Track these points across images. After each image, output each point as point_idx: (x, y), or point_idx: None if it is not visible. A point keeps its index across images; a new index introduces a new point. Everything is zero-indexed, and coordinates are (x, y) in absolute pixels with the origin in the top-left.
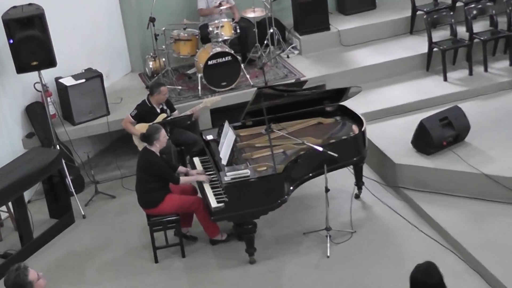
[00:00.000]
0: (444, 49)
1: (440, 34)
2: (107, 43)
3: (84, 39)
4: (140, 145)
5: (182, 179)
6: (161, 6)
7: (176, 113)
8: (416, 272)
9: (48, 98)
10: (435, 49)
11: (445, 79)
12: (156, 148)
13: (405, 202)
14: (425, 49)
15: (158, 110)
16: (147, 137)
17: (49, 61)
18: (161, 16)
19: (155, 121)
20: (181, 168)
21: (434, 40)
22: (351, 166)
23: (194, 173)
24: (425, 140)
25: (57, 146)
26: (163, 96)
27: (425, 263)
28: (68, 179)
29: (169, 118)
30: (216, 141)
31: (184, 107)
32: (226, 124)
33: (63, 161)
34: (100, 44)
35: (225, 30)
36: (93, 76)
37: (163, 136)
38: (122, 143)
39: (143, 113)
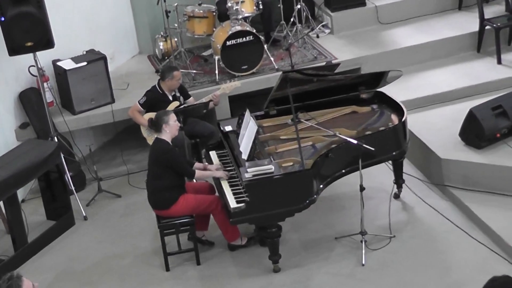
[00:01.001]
0: (498, 27)
1: (494, 10)
2: (111, 21)
3: (86, 17)
4: (150, 137)
5: (198, 173)
6: None
7: (191, 101)
8: (491, 287)
9: (45, 84)
10: (487, 27)
11: (499, 61)
12: (166, 135)
13: (452, 202)
14: (475, 27)
15: (170, 98)
16: (155, 123)
17: (46, 42)
18: None
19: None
20: (197, 165)
21: (486, 16)
22: (390, 162)
23: (213, 168)
24: (476, 132)
25: (55, 138)
26: (176, 82)
27: (503, 277)
28: (68, 176)
29: (182, 107)
30: (236, 133)
31: (199, 93)
32: (247, 114)
33: (62, 155)
34: (104, 22)
35: (246, 5)
36: (95, 59)
37: (173, 120)
38: (129, 135)
39: (153, 100)
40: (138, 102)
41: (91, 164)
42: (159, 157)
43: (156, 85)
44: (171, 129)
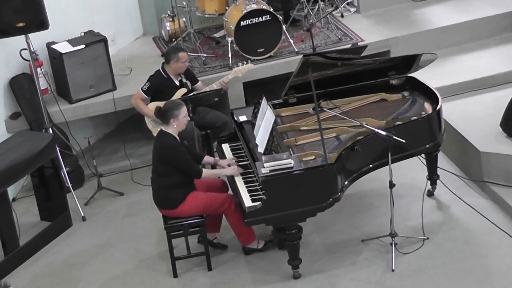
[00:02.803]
0: None
1: None
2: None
3: None
4: (155, 129)
5: (205, 172)
6: None
7: (199, 86)
8: None
9: (38, 69)
10: None
11: None
12: (173, 129)
13: (493, 201)
14: None
15: (177, 83)
16: (163, 114)
17: (39, 22)
18: None
19: (173, 98)
20: (207, 158)
21: None
22: (423, 155)
23: (225, 163)
24: None
25: (50, 129)
26: (182, 64)
27: None
28: (64, 171)
29: (191, 94)
30: (251, 123)
31: (210, 79)
32: (264, 102)
33: (57, 149)
34: (104, 0)
35: None
36: (95, 41)
37: (183, 115)
38: (132, 126)
39: (158, 86)
40: (141, 89)
41: (90, 158)
42: (163, 153)
43: (160, 69)
44: (179, 123)
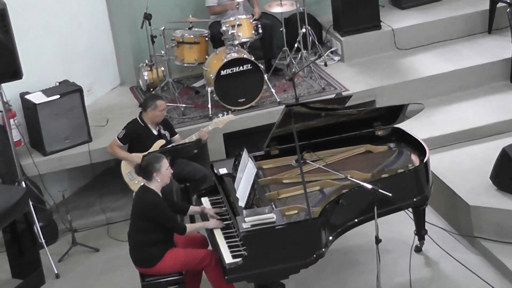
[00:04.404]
0: None
1: None
2: (89, 48)
3: (59, 43)
4: (132, 182)
5: (189, 227)
6: None
7: (177, 139)
8: None
9: (11, 120)
10: None
11: None
12: (157, 184)
13: (483, 257)
14: (508, 54)
15: (155, 132)
16: (144, 169)
17: (13, 72)
18: (159, 12)
19: (150, 149)
20: (193, 208)
21: None
22: (410, 209)
23: (212, 212)
24: (510, 175)
25: (23, 183)
26: (159, 113)
27: None
28: (37, 226)
29: (169, 146)
30: (232, 176)
31: (190, 130)
32: (245, 154)
33: (31, 203)
34: (80, 49)
35: (243, 29)
36: (70, 91)
37: (165, 167)
38: (108, 179)
39: (134, 134)
40: (117, 136)
41: (64, 213)
42: (146, 211)
43: (138, 117)
44: (163, 177)
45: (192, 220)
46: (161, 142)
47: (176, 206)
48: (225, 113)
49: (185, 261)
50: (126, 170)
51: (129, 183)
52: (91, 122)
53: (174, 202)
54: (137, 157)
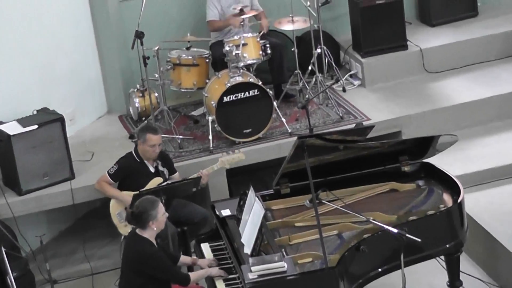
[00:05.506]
0: None
1: None
2: (71, 71)
3: (38, 66)
4: (122, 225)
5: (193, 276)
6: (153, 15)
7: (176, 177)
8: None
9: None
10: None
11: None
12: (151, 232)
13: None
14: None
15: (152, 169)
16: (138, 217)
17: None
18: (153, 30)
19: (144, 188)
20: (183, 258)
21: None
22: (442, 257)
23: (205, 264)
24: None
25: None
26: (149, 148)
27: None
28: (11, 277)
29: (164, 184)
30: (236, 218)
31: (188, 166)
32: (251, 193)
33: (3, 250)
34: (62, 73)
35: (249, 49)
36: (50, 121)
37: (161, 213)
38: (93, 222)
39: (128, 171)
40: (108, 172)
41: (42, 261)
42: (140, 264)
43: (133, 151)
44: (159, 225)
45: (190, 269)
46: (158, 180)
47: (168, 255)
48: (235, 151)
49: None
50: (116, 210)
51: (118, 225)
52: (73, 157)
53: (165, 250)
54: (129, 195)
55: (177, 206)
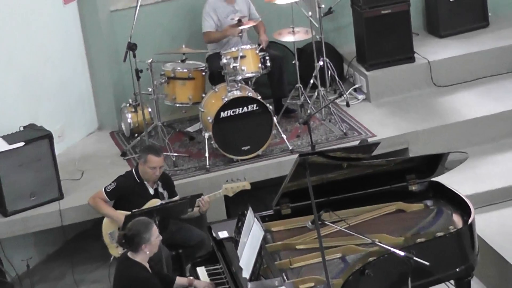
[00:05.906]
0: None
1: None
2: (60, 85)
3: (25, 79)
4: (113, 246)
5: None
6: (146, 26)
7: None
8: None
9: None
10: None
11: None
12: (144, 256)
13: None
14: None
15: (151, 191)
16: (130, 240)
17: None
18: (146, 42)
19: (135, 210)
20: (179, 280)
21: None
22: (452, 282)
23: (202, 286)
24: None
25: None
26: (149, 170)
27: None
28: None
29: (159, 204)
30: (234, 241)
31: (183, 185)
32: (250, 213)
33: None
34: (50, 86)
35: (247, 62)
36: (37, 137)
37: (155, 236)
38: (83, 244)
39: (126, 190)
40: (105, 189)
41: (29, 286)
42: None
43: (133, 170)
44: (152, 248)
45: None
46: (155, 202)
47: (159, 277)
48: (239, 180)
49: None
50: (108, 229)
51: (109, 245)
52: (62, 175)
53: (159, 272)
54: (124, 215)
55: (172, 227)
